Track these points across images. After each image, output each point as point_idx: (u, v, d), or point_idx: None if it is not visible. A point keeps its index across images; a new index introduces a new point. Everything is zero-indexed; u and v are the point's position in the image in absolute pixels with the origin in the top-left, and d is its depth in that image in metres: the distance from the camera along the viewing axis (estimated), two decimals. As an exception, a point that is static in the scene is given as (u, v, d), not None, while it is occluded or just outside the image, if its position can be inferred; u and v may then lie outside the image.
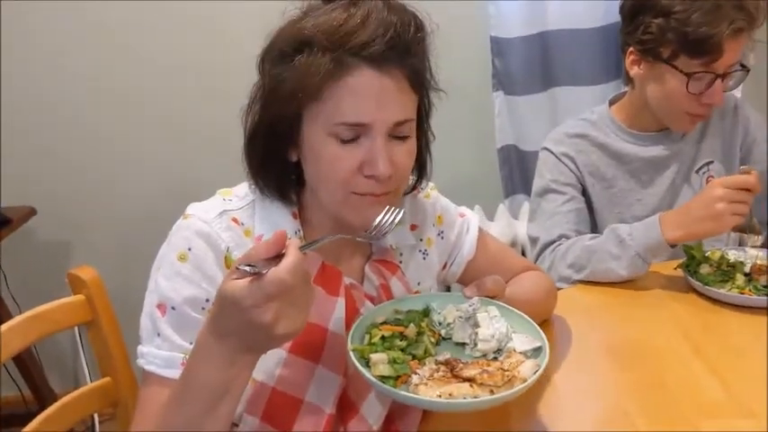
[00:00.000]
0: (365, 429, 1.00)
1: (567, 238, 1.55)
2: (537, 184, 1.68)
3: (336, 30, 0.86)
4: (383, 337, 0.93)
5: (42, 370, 2.21)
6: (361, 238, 0.95)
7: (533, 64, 2.13)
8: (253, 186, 0.99)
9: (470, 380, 0.84)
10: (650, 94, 1.55)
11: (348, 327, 0.99)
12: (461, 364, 0.88)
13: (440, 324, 0.99)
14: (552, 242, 1.56)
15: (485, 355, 0.93)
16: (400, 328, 0.95)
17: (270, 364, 0.95)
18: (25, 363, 2.09)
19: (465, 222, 1.21)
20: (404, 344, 0.93)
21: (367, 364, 0.88)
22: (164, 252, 0.94)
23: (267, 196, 0.98)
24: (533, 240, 1.63)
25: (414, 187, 1.08)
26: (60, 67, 2.25)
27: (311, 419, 0.96)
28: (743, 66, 1.48)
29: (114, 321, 1.21)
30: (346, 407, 1.00)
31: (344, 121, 0.88)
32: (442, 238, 1.18)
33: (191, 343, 0.90)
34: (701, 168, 1.63)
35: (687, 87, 1.45)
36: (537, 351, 0.92)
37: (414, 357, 0.91)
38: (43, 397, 2.15)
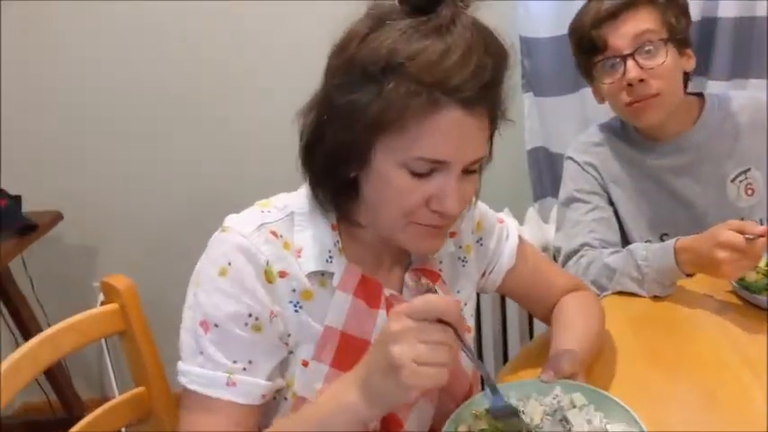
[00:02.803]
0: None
1: (591, 247, 1.51)
2: (562, 194, 1.65)
3: (434, 66, 0.80)
4: None
5: (70, 377, 2.20)
6: None
7: (563, 64, 2.07)
8: (310, 196, 0.96)
9: None
10: (611, 106, 1.56)
11: None
12: None
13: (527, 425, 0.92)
14: (575, 252, 1.52)
15: None
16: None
17: (311, 380, 0.92)
18: (52, 369, 2.08)
19: (504, 229, 1.18)
20: None
21: None
22: (202, 266, 0.92)
23: (322, 207, 0.95)
24: (558, 251, 1.60)
25: None
26: (89, 71, 2.25)
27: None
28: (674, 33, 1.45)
29: (147, 331, 1.19)
30: (390, 423, 0.97)
31: (424, 156, 0.84)
32: (481, 245, 1.14)
33: (235, 361, 0.88)
34: (737, 177, 1.55)
35: (604, 82, 1.47)
36: None
37: None
38: (70, 405, 2.14)
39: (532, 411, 0.92)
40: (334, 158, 0.89)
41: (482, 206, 1.16)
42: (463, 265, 1.12)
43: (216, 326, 0.88)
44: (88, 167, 2.34)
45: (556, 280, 1.22)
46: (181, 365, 0.91)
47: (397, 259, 1.04)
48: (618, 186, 1.60)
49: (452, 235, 1.09)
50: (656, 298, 1.36)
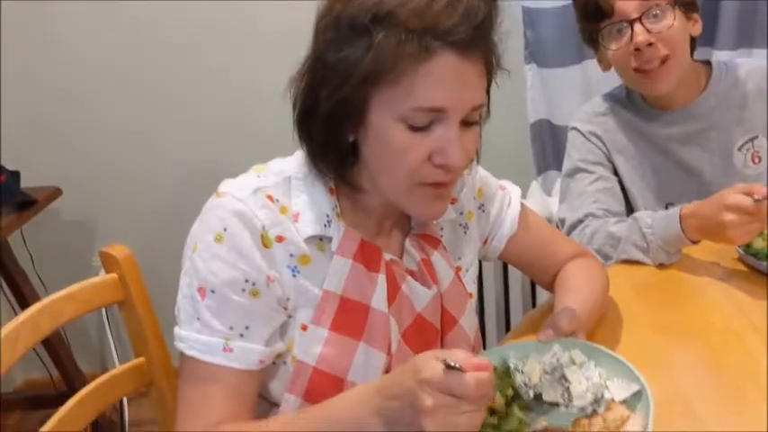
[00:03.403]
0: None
1: (595, 216, 1.49)
2: (566, 165, 1.63)
3: (423, 11, 0.79)
4: None
5: (71, 351, 2.20)
6: None
7: (567, 35, 2.05)
8: (308, 164, 0.94)
9: None
10: (618, 74, 1.53)
11: (390, 302, 0.95)
12: None
13: (525, 385, 0.90)
14: (579, 221, 1.50)
15: (583, 410, 0.86)
16: (488, 403, 0.86)
17: (311, 344, 0.91)
18: (53, 344, 2.08)
19: (506, 195, 1.16)
20: (495, 420, 0.85)
21: None
22: (197, 231, 0.91)
23: (321, 173, 0.93)
24: (562, 222, 1.58)
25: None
26: (86, 45, 2.23)
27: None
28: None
29: (147, 300, 1.18)
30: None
31: (421, 105, 0.82)
32: (483, 211, 1.13)
33: (231, 327, 0.87)
34: (744, 145, 1.53)
35: (611, 48, 1.45)
36: (637, 396, 0.86)
37: None
38: (72, 378, 2.14)
39: (531, 370, 0.90)
40: (331, 121, 0.87)
41: (483, 172, 1.14)
42: (465, 232, 1.10)
43: (212, 292, 0.87)
44: (86, 143, 2.33)
45: (559, 247, 1.21)
46: (178, 331, 0.90)
47: (398, 225, 1.03)
48: (623, 156, 1.58)
49: (453, 201, 1.08)
50: (661, 266, 1.35)
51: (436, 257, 1.02)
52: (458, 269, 1.07)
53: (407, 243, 1.01)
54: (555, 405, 0.88)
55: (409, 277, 0.99)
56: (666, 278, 1.32)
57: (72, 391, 2.06)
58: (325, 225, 0.92)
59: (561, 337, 0.95)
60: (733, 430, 0.89)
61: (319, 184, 0.94)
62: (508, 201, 1.16)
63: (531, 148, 2.21)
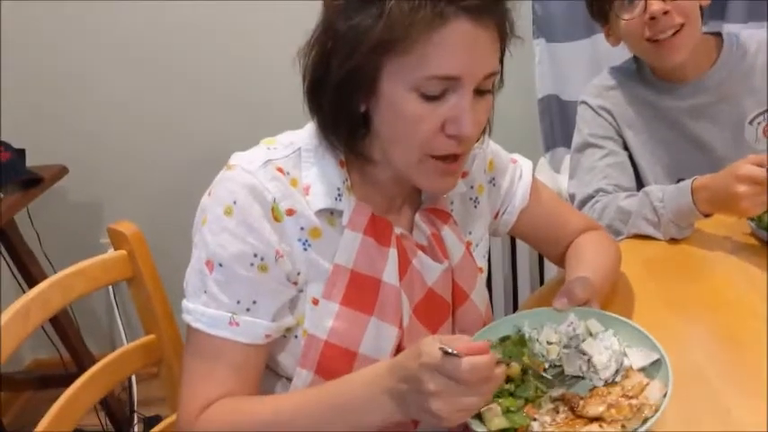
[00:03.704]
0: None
1: (605, 192, 1.48)
2: (576, 140, 1.61)
3: None
4: None
5: (79, 332, 2.20)
6: None
7: (576, 9, 2.01)
8: (319, 135, 0.93)
9: (597, 418, 0.78)
10: (628, 46, 1.51)
11: (401, 276, 0.94)
12: (581, 401, 0.81)
13: (543, 356, 0.90)
14: (590, 197, 1.49)
15: (605, 379, 0.86)
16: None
17: (322, 318, 0.91)
18: (62, 324, 2.08)
19: (518, 168, 1.15)
20: (512, 386, 0.85)
21: (476, 415, 0.80)
22: (207, 204, 0.90)
23: (332, 145, 0.92)
24: (572, 197, 1.56)
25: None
26: (91, 23, 2.21)
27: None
28: None
29: (156, 277, 1.18)
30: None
31: (434, 74, 0.81)
32: (494, 185, 1.12)
33: (238, 302, 0.87)
34: (755, 118, 1.51)
35: (624, 18, 1.42)
36: (656, 365, 0.85)
37: (526, 401, 0.84)
38: (81, 359, 2.14)
39: (547, 338, 0.90)
40: (342, 91, 0.86)
41: (494, 145, 1.13)
42: (475, 206, 1.09)
43: (220, 265, 0.86)
44: (92, 121, 2.32)
45: (570, 220, 1.20)
46: (185, 303, 0.90)
47: (408, 199, 1.02)
48: (633, 131, 1.56)
49: (464, 175, 1.07)
50: (672, 240, 1.34)
51: (447, 232, 1.01)
52: (468, 244, 1.06)
53: (417, 217, 1.00)
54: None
55: (420, 252, 0.98)
56: (678, 253, 1.31)
57: (82, 371, 2.09)
58: (336, 198, 0.91)
59: (576, 306, 0.94)
60: (748, 401, 0.89)
61: (330, 157, 0.93)
62: (519, 173, 1.14)
63: (539, 124, 2.19)
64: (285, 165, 0.91)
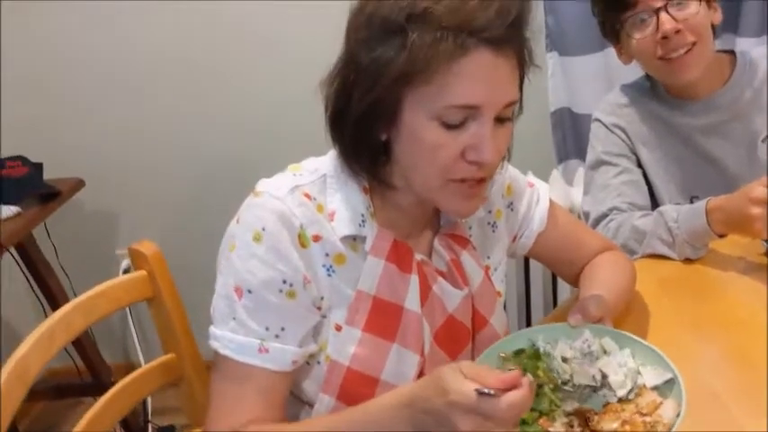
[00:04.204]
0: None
1: (620, 210, 1.48)
2: (589, 158, 1.61)
3: (458, 8, 0.80)
4: None
5: (95, 342, 2.21)
6: None
7: (589, 22, 1.99)
8: (340, 162, 0.94)
9: None
10: (640, 65, 1.52)
11: (423, 302, 0.96)
12: (596, 416, 0.82)
13: (557, 372, 0.91)
14: (604, 216, 1.49)
15: (619, 397, 0.87)
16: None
17: (344, 344, 0.92)
18: (78, 336, 2.10)
19: (535, 193, 1.16)
20: None
21: None
22: (235, 231, 0.91)
23: (355, 173, 0.94)
24: (586, 215, 1.57)
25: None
26: (107, 37, 2.23)
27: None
28: None
29: (177, 297, 1.19)
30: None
31: (455, 103, 0.82)
32: (512, 209, 1.13)
33: (267, 328, 0.88)
34: (767, 137, 1.50)
35: (635, 37, 1.43)
36: (668, 384, 0.86)
37: (540, 414, 0.84)
38: (97, 369, 2.15)
39: (562, 353, 0.91)
40: (364, 121, 0.87)
41: (512, 170, 1.14)
42: (493, 231, 1.10)
43: (250, 292, 0.88)
44: (109, 133, 2.32)
45: (587, 242, 1.21)
46: (213, 330, 0.91)
47: (428, 224, 1.03)
48: (646, 148, 1.56)
49: (482, 200, 1.08)
50: (687, 260, 1.34)
51: (465, 257, 1.02)
52: (487, 268, 1.07)
53: (436, 243, 1.01)
54: (586, 387, 0.89)
55: (440, 278, 1.00)
56: (692, 273, 1.32)
57: (97, 380, 2.11)
58: (360, 225, 0.93)
59: (590, 323, 0.95)
60: (763, 422, 0.89)
61: (353, 183, 0.94)
62: (536, 198, 1.15)
63: (551, 137, 2.19)
64: (311, 190, 0.93)
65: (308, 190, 0.92)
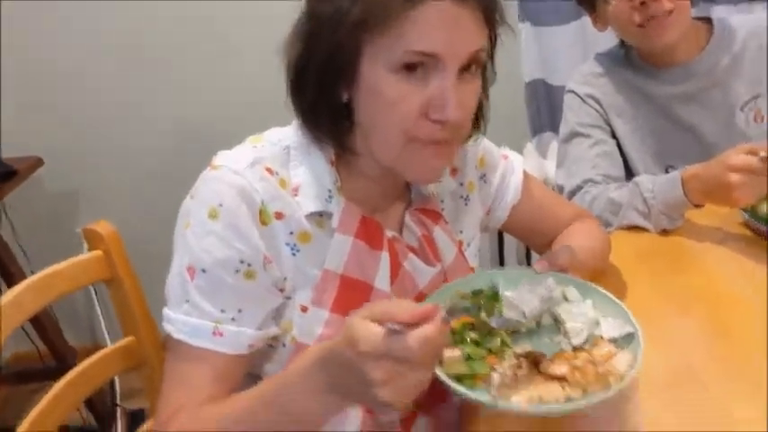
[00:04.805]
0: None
1: (594, 182, 1.46)
2: (563, 130, 1.58)
3: None
4: (453, 330, 0.82)
5: (58, 325, 2.16)
6: None
7: (562, -10, 2.00)
8: (302, 129, 0.89)
9: (559, 378, 0.76)
10: (616, 31, 1.48)
11: (393, 280, 0.91)
12: (547, 360, 0.79)
13: (513, 309, 0.87)
14: (578, 188, 1.47)
15: (574, 346, 0.84)
16: (471, 319, 0.85)
17: (311, 325, 0.87)
18: (40, 318, 2.03)
19: (509, 164, 1.12)
20: (476, 336, 0.83)
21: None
22: (190, 207, 0.85)
23: (317, 140, 0.88)
24: (560, 189, 1.54)
25: (468, 136, 0.95)
26: (65, 11, 2.16)
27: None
28: None
29: (134, 278, 1.14)
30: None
31: (412, 48, 0.77)
32: (485, 182, 1.09)
33: (222, 310, 0.83)
34: (746, 104, 1.48)
35: (612, 3, 1.39)
36: (627, 338, 0.83)
37: (490, 351, 0.81)
38: (61, 352, 2.10)
39: (521, 297, 0.87)
40: (324, 79, 0.83)
41: (486, 142, 1.10)
42: (466, 204, 1.06)
43: (203, 271, 0.82)
44: (67, 111, 2.27)
45: (561, 212, 1.17)
46: (166, 312, 0.85)
47: (398, 198, 0.98)
48: (621, 119, 1.53)
49: (453, 172, 1.04)
50: (663, 232, 1.32)
51: (438, 232, 0.98)
52: (460, 243, 1.03)
53: (407, 218, 0.96)
54: (539, 332, 0.87)
55: (411, 254, 0.95)
56: (669, 244, 1.29)
57: (61, 365, 2.06)
58: (326, 200, 0.88)
59: (556, 271, 0.92)
60: (738, 396, 0.87)
61: (319, 155, 0.89)
62: (511, 169, 1.11)
63: (525, 109, 2.16)
64: (273, 164, 0.87)
65: (269, 163, 0.87)
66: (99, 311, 2.32)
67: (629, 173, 1.53)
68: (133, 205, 2.28)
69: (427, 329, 0.62)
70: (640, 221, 1.32)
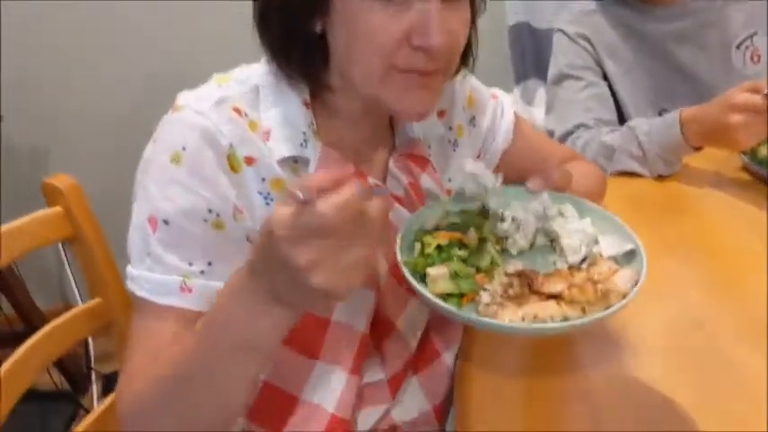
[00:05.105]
0: (403, 348, 0.88)
1: (586, 126, 1.40)
2: (552, 72, 1.53)
3: None
4: (439, 247, 0.76)
5: (25, 287, 2.07)
6: None
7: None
8: (272, 66, 0.80)
9: (555, 296, 0.69)
10: None
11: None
12: (541, 277, 0.72)
13: (504, 223, 0.81)
14: (570, 133, 1.42)
15: (570, 264, 0.78)
16: (458, 235, 0.78)
17: None
18: (5, 280, 1.94)
19: (498, 105, 1.04)
20: (465, 254, 0.76)
21: (422, 279, 0.72)
22: (151, 152, 0.77)
23: (288, 77, 0.80)
24: (550, 134, 1.48)
25: (456, 71, 0.87)
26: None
27: (341, 340, 0.83)
28: None
29: (100, 236, 1.05)
30: (381, 324, 0.86)
31: None
32: (474, 125, 1.01)
33: (190, 264, 0.75)
34: (742, 42, 1.44)
35: None
36: (628, 256, 0.77)
37: (478, 270, 0.75)
38: (29, 315, 2.01)
39: (513, 214, 0.81)
40: (294, 6, 0.74)
41: (474, 80, 1.02)
42: (454, 150, 0.98)
43: (166, 223, 0.74)
44: (27, 60, 2.13)
45: (553, 154, 1.11)
46: (129, 269, 0.77)
47: (381, 142, 0.90)
48: (613, 59, 1.48)
49: (441, 115, 0.96)
50: (659, 177, 1.27)
51: (425, 180, 0.91)
52: (448, 193, 0.95)
53: (392, 164, 0.89)
54: (532, 253, 0.81)
55: (397, 204, 0.87)
56: (665, 190, 1.25)
57: (30, 329, 1.97)
58: (301, 144, 0.80)
59: (551, 190, 0.86)
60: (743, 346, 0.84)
61: (292, 96, 0.81)
62: (501, 111, 1.04)
63: (509, 55, 2.08)
64: (242, 104, 0.79)
65: (237, 103, 0.78)
66: (69, 271, 2.23)
67: (621, 117, 1.49)
68: (105, 160, 2.18)
69: (342, 192, 0.53)
70: (635, 167, 1.27)
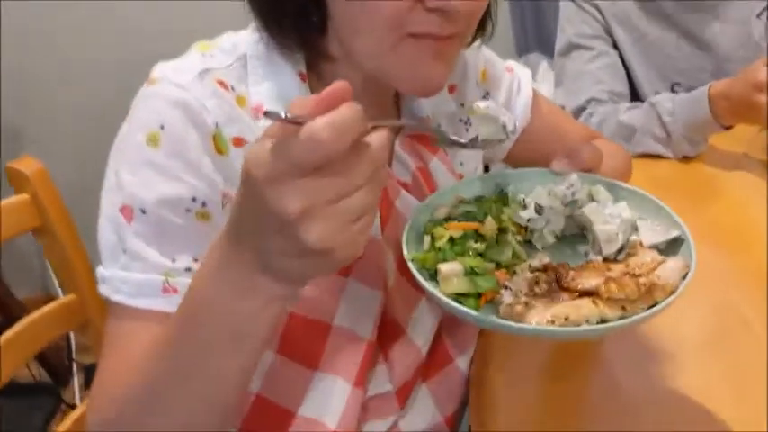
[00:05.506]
0: (413, 354, 0.79)
1: (599, 101, 1.33)
2: (559, 43, 1.46)
3: None
4: (452, 239, 0.66)
5: (1, 277, 1.98)
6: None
7: None
8: (262, 33, 0.69)
9: (589, 293, 0.59)
10: None
11: (383, 224, 0.74)
12: (572, 271, 0.62)
13: (527, 214, 0.71)
14: (582, 109, 1.34)
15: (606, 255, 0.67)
16: (474, 225, 0.68)
17: None
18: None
19: (515, 80, 0.94)
20: (481, 246, 0.66)
21: (433, 277, 0.62)
22: (125, 133, 0.66)
23: (281, 46, 0.69)
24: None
25: (471, 42, 0.77)
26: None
27: (344, 348, 0.73)
28: None
29: (71, 226, 0.97)
30: (388, 329, 0.77)
31: None
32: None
33: (173, 260, 0.64)
34: (763, 11, 1.36)
35: None
36: (673, 245, 0.67)
37: (498, 265, 0.65)
38: (7, 305, 1.93)
39: (537, 200, 0.71)
40: None
41: (487, 52, 0.92)
42: (467, 130, 0.88)
43: (143, 212, 0.64)
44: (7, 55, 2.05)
45: (572, 134, 1.00)
46: (100, 271, 0.67)
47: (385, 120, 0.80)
48: (623, 28, 1.40)
49: (452, 89, 0.86)
50: (684, 159, 1.19)
51: (436, 164, 0.81)
52: (461, 177, 0.86)
53: (398, 146, 0.79)
54: (560, 245, 0.71)
55: (404, 191, 0.78)
56: (690, 172, 1.18)
57: (9, 319, 1.88)
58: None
59: (579, 171, 0.75)
60: None
61: (286, 67, 0.71)
62: (517, 86, 0.94)
63: (510, 28, 2.03)
64: (228, 76, 0.69)
65: (222, 76, 0.68)
66: (48, 262, 2.14)
67: (632, 91, 1.41)
68: (77, 143, 2.09)
69: (340, 110, 0.41)
70: (658, 148, 1.20)
